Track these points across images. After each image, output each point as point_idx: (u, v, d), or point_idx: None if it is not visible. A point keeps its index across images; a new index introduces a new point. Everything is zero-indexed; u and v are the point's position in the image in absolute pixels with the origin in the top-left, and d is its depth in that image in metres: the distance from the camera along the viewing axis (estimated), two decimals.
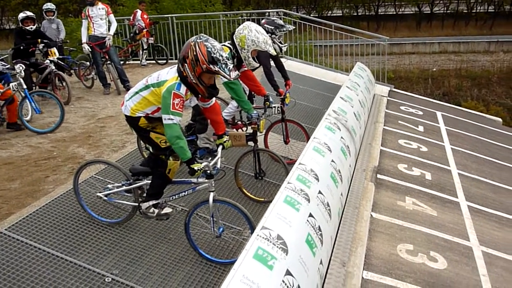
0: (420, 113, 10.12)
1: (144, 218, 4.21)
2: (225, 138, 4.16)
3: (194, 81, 3.57)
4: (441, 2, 35.86)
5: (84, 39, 9.11)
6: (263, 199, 5.29)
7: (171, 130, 3.55)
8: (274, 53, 5.28)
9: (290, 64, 11.72)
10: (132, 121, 3.91)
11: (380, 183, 5.98)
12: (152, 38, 12.57)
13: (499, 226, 5.63)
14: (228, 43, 4.96)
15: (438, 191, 6.10)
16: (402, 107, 10.20)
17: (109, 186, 4.36)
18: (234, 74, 3.63)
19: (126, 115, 3.95)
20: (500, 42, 29.54)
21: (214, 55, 3.50)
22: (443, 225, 5.27)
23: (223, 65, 3.53)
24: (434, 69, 26.24)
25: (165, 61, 12.46)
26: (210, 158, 3.96)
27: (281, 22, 6.04)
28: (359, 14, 37.28)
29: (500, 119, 12.13)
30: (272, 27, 5.93)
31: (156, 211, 4.05)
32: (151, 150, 4.05)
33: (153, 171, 4.00)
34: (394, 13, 37.03)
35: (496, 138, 9.72)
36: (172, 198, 4.12)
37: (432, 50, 29.62)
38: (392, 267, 4.25)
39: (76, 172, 4.34)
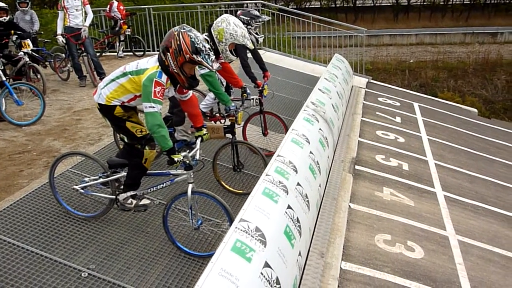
0: (398, 104, 10.22)
1: (122, 210, 4.16)
2: (204, 130, 4.12)
3: (175, 70, 3.55)
4: None
5: (59, 30, 8.92)
6: (241, 191, 5.28)
7: (153, 118, 3.50)
8: (252, 47, 5.25)
9: (268, 56, 11.69)
10: (106, 110, 3.83)
11: (358, 174, 6.02)
12: (129, 30, 12.38)
13: (475, 215, 5.73)
14: (206, 36, 4.89)
15: (415, 182, 6.17)
16: (379, 99, 10.28)
17: (86, 179, 4.29)
18: (216, 65, 3.63)
19: (100, 104, 3.84)
20: (475, 34, 29.99)
21: (198, 46, 3.49)
22: (420, 215, 5.34)
23: (206, 56, 3.53)
24: (411, 61, 26.51)
25: (142, 52, 12.29)
26: (188, 151, 3.92)
27: (256, 12, 6.03)
28: (337, 6, 37.40)
29: (475, 110, 12.33)
30: (248, 18, 5.92)
31: (134, 202, 4.00)
32: (125, 140, 3.97)
33: (130, 162, 3.95)
34: (372, 5, 37.28)
35: (472, 128, 9.88)
36: (150, 190, 4.08)
37: (409, 42, 29.90)
38: (370, 257, 4.29)
39: (52, 164, 4.25)
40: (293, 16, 12.83)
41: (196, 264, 3.93)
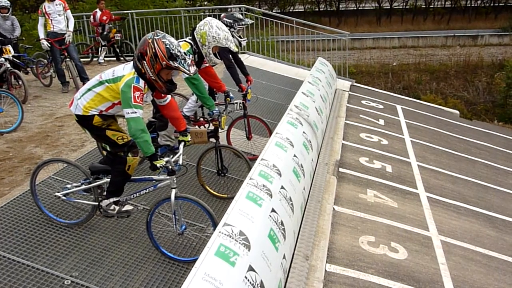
0: (381, 106, 10.31)
1: (105, 216, 4.12)
2: (188, 136, 4.12)
3: (153, 77, 3.55)
4: None
5: (41, 35, 8.83)
6: (226, 196, 5.27)
7: (135, 124, 3.48)
8: (235, 50, 5.24)
9: (252, 60, 11.73)
10: (85, 120, 3.80)
11: (342, 176, 6.06)
12: (119, 34, 12.28)
13: (457, 215, 5.81)
14: (189, 39, 4.90)
15: (399, 183, 6.23)
16: (363, 101, 10.37)
17: (68, 186, 4.25)
18: (193, 69, 3.62)
19: (77, 115, 3.82)
20: (456, 37, 30.42)
21: (173, 51, 3.49)
22: (404, 216, 5.39)
23: (182, 61, 3.54)
24: (394, 64, 26.79)
25: (132, 57, 12.18)
26: (171, 156, 3.91)
27: (240, 16, 6.04)
28: (320, 9, 37.65)
29: (457, 112, 12.50)
30: (231, 21, 5.95)
31: (117, 208, 3.98)
32: (108, 148, 3.95)
33: (112, 169, 3.93)
34: (355, 8, 37.60)
35: (454, 130, 10.01)
36: (133, 196, 4.05)
37: (392, 45, 30.22)
38: (354, 259, 4.32)
39: (33, 172, 4.20)
40: (276, 20, 12.90)
41: (180, 270, 3.91)
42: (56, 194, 4.17)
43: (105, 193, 4.02)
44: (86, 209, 4.26)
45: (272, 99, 8.84)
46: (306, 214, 4.80)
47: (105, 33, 12.13)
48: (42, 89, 9.47)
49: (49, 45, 8.82)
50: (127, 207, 4.02)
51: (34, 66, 10.00)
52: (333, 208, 5.17)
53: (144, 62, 3.52)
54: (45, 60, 9.61)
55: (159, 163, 3.58)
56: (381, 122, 8.98)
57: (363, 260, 4.34)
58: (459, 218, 5.74)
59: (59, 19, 8.89)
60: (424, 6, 36.68)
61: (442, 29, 32.49)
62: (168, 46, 3.48)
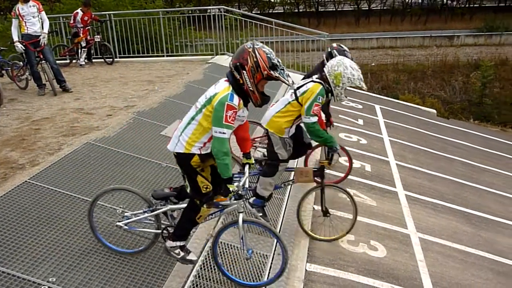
0: (360, 106, 10.41)
1: (166, 254, 4.00)
2: (252, 159, 3.94)
3: (251, 88, 3.39)
4: None
5: (15, 37, 8.67)
6: (334, 237, 4.79)
7: (220, 145, 3.33)
8: (365, 88, 4.83)
9: None
10: (184, 158, 3.59)
11: None
12: (99, 36, 12.13)
13: (435, 213, 5.90)
14: (317, 78, 4.57)
15: (378, 182, 6.30)
16: (343, 102, 10.44)
17: (127, 214, 4.01)
18: (291, 79, 3.53)
19: (178, 153, 3.59)
20: (433, 37, 30.88)
21: (274, 61, 3.37)
22: (383, 214, 5.46)
23: (282, 71, 3.42)
24: (373, 64, 27.07)
25: (111, 59, 12.04)
26: (238, 179, 3.81)
27: (346, 49, 5.89)
28: (300, 11, 37.83)
29: (434, 111, 12.69)
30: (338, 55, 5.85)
31: (182, 254, 3.82)
32: (188, 190, 3.78)
33: (184, 213, 3.77)
34: (334, 9, 37.89)
35: (431, 129, 10.16)
36: None
37: (371, 46, 30.53)
38: (334, 258, 4.35)
39: (91, 203, 3.99)
40: (256, 21, 12.91)
41: (160, 274, 3.88)
42: (118, 224, 3.96)
43: (170, 229, 3.89)
44: (148, 237, 4.13)
45: None
46: (286, 214, 4.82)
47: (70, 37, 11.98)
48: (18, 92, 9.31)
49: (24, 48, 8.67)
50: (192, 257, 3.85)
51: (9, 68, 9.83)
52: (313, 207, 5.20)
53: (244, 72, 3.35)
54: (20, 63, 9.45)
55: (232, 187, 3.46)
56: (360, 122, 9.07)
57: (343, 258, 4.38)
58: (436, 215, 5.83)
59: (33, 21, 8.74)
60: (401, 7, 37.15)
61: (419, 30, 32.93)
62: (269, 56, 3.36)
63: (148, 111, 7.09)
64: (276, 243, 3.72)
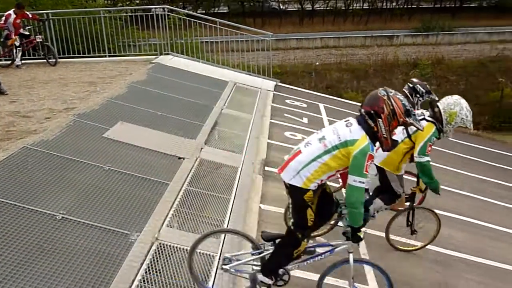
0: (305, 105, 10.57)
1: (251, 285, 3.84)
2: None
3: (385, 135, 3.36)
4: None
5: None
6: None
7: (358, 194, 3.30)
8: (472, 129, 4.88)
9: (177, 61, 11.60)
10: (299, 192, 3.51)
11: (268, 175, 6.15)
12: (40, 36, 11.60)
13: None
14: (430, 118, 4.56)
15: None
16: (287, 101, 10.58)
17: (227, 255, 3.82)
18: (424, 123, 3.53)
19: (293, 186, 3.52)
20: (374, 37, 31.86)
21: (407, 108, 3.35)
22: None
23: (414, 117, 3.41)
24: (317, 63, 27.60)
25: (54, 60, 11.56)
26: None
27: (429, 88, 5.99)
28: (245, 11, 37.96)
29: None
30: (424, 91, 5.93)
31: (274, 280, 3.74)
32: (290, 223, 3.65)
33: (281, 247, 3.65)
34: (279, 9, 38.28)
35: None
36: (306, 263, 3.78)
37: (315, 45, 31.09)
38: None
39: (190, 251, 3.76)
40: (200, 21, 12.84)
41: (104, 278, 3.77)
42: (224, 267, 3.76)
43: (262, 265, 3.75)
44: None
45: (198, 101, 8.77)
46: (232, 213, 4.83)
47: (2, 39, 11.43)
48: None
49: None
50: (285, 277, 3.77)
51: None
52: (260, 206, 5.23)
53: (380, 120, 3.31)
54: None
55: (361, 234, 3.45)
56: (305, 120, 9.21)
57: None
58: None
59: None
60: (344, 8, 38.08)
61: (361, 30, 33.86)
62: (403, 103, 3.34)
63: (89, 113, 6.88)
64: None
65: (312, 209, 3.55)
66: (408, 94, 5.90)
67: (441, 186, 4.69)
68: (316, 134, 3.57)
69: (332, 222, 4.58)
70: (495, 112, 23.43)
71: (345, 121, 3.47)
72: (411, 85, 5.99)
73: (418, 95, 5.91)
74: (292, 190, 3.54)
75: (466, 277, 4.95)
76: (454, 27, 33.03)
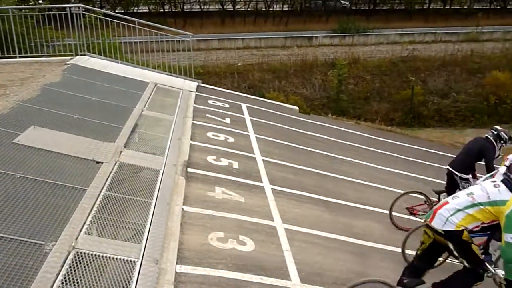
0: (227, 106, 10.61)
1: None
2: None
3: None
4: (242, 0, 38.19)
5: None
6: None
7: None
8: None
9: (93, 62, 11.18)
10: (454, 235, 3.86)
11: (190, 176, 6.11)
12: None
13: (299, 203, 6.25)
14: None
15: (245, 178, 6.49)
16: (210, 101, 10.56)
17: None
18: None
19: (448, 231, 3.87)
20: (294, 38, 32.60)
21: None
22: (251, 209, 5.64)
23: None
24: (239, 64, 27.79)
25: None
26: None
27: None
28: (165, 10, 37.38)
29: (297, 108, 13.41)
30: (507, 137, 6.42)
31: None
32: (465, 263, 3.92)
33: (462, 277, 3.97)
34: (200, 10, 38.11)
35: (294, 125, 10.73)
36: None
37: (237, 46, 31.26)
38: (204, 257, 4.39)
39: None
40: (118, 21, 12.45)
41: None
42: None
43: None
44: None
45: (116, 103, 8.51)
46: (154, 217, 4.75)
47: None
48: None
49: None
50: None
51: None
52: (182, 208, 5.19)
53: None
54: None
55: None
56: (227, 120, 9.25)
57: (213, 256, 4.44)
58: (300, 206, 6.19)
59: None
60: (264, 9, 38.64)
61: (281, 31, 34.51)
62: None
63: None
64: None
65: (475, 244, 3.94)
66: (493, 140, 6.40)
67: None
68: (464, 190, 4.12)
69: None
70: (406, 109, 24.84)
71: (492, 181, 3.93)
72: (495, 132, 6.51)
73: (502, 141, 6.45)
74: (448, 235, 3.91)
75: (381, 265, 5.22)
76: (368, 28, 34.63)
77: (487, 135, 6.55)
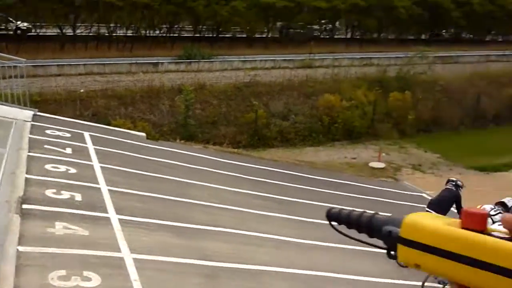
0: (68, 135, 10.02)
1: None
2: None
3: None
4: (83, 25, 36.66)
5: None
6: None
7: None
8: None
9: None
10: None
11: (26, 213, 5.64)
12: None
13: (147, 231, 6.15)
14: None
15: (89, 210, 6.19)
16: (48, 131, 9.87)
17: None
18: None
19: None
20: (139, 64, 32.17)
21: None
22: (96, 242, 5.39)
23: None
24: (82, 90, 26.48)
25: None
26: None
27: None
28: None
29: (144, 134, 13.21)
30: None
31: None
32: None
33: None
34: (36, 34, 35.62)
35: (142, 152, 10.55)
36: None
37: (78, 72, 29.76)
38: None
39: None
40: None
41: None
42: None
43: None
44: None
45: None
46: None
47: None
48: None
49: None
50: None
51: None
52: (17, 249, 4.75)
53: None
54: None
55: None
56: (68, 150, 8.74)
57: None
58: (149, 234, 6.10)
59: None
60: (107, 34, 37.54)
61: (126, 57, 33.81)
62: None
63: None
64: None
65: None
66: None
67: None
68: None
69: None
70: (251, 132, 26.08)
71: None
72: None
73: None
74: None
75: (232, 284, 5.39)
76: (213, 55, 35.79)
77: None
